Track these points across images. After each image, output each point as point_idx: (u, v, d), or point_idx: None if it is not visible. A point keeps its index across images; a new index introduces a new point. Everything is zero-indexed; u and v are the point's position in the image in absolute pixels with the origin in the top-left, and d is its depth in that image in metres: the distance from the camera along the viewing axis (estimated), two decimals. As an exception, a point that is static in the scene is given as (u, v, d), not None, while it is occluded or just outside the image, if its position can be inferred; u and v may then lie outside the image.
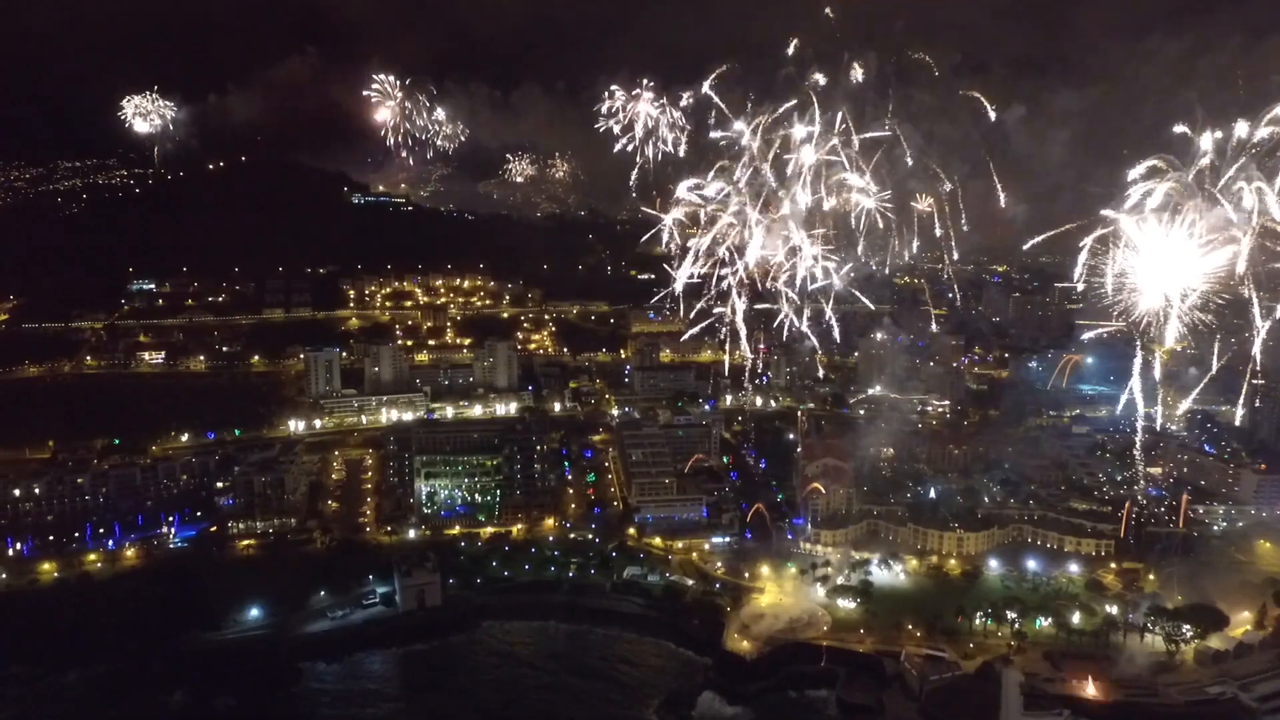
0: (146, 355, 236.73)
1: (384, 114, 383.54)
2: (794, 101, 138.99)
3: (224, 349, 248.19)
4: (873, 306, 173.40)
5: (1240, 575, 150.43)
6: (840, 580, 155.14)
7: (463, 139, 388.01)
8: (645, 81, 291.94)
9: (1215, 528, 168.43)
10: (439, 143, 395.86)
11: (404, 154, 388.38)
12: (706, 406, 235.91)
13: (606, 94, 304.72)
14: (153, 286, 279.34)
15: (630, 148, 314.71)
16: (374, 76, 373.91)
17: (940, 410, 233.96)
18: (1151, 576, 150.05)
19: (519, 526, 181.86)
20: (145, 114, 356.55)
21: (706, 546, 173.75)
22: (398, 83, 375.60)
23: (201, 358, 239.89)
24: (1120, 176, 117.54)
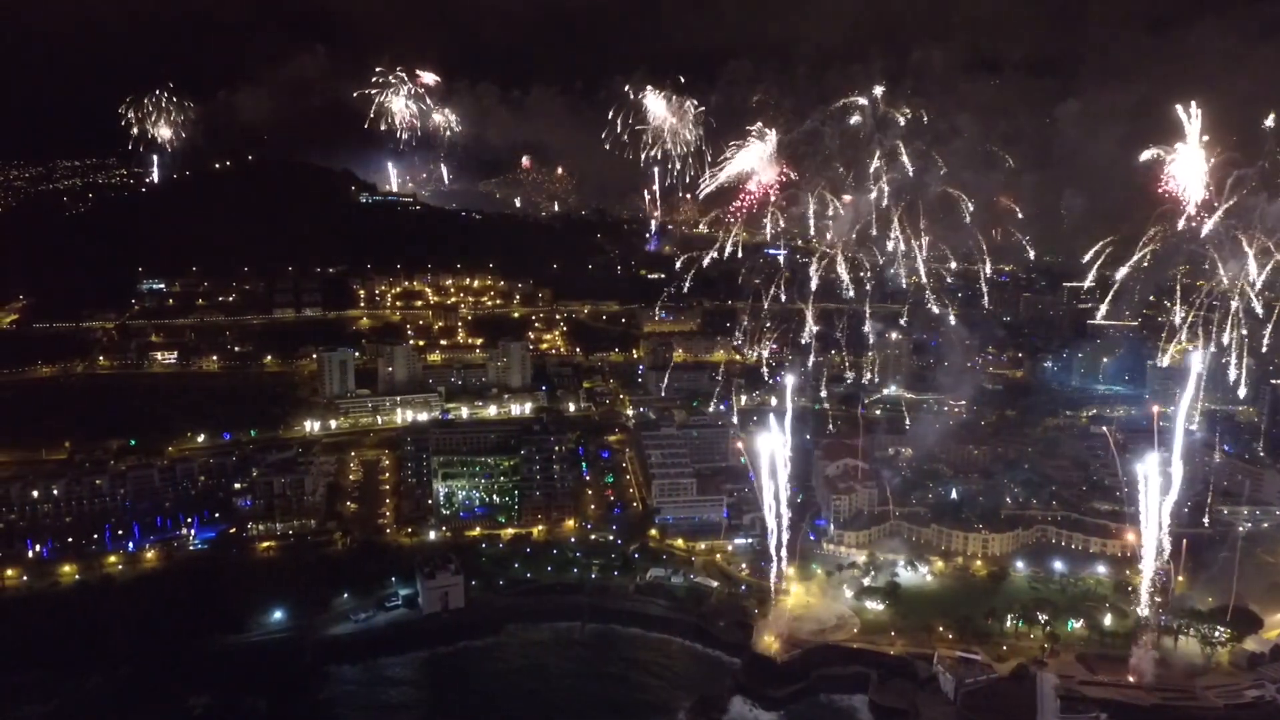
0: (159, 355, 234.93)
1: (391, 112, 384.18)
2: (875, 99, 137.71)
3: (236, 349, 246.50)
4: (937, 310, 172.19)
5: (1269, 577, 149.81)
6: (867, 581, 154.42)
7: (472, 144, 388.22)
8: (666, 85, 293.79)
9: (1240, 529, 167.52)
10: (444, 141, 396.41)
11: (409, 152, 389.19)
12: (722, 407, 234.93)
13: (626, 96, 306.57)
14: (162, 286, 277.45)
15: (652, 152, 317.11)
16: (380, 74, 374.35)
17: (956, 410, 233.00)
18: (1181, 579, 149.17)
19: (539, 528, 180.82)
20: (154, 114, 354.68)
21: (729, 548, 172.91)
22: (406, 81, 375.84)
23: (214, 358, 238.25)
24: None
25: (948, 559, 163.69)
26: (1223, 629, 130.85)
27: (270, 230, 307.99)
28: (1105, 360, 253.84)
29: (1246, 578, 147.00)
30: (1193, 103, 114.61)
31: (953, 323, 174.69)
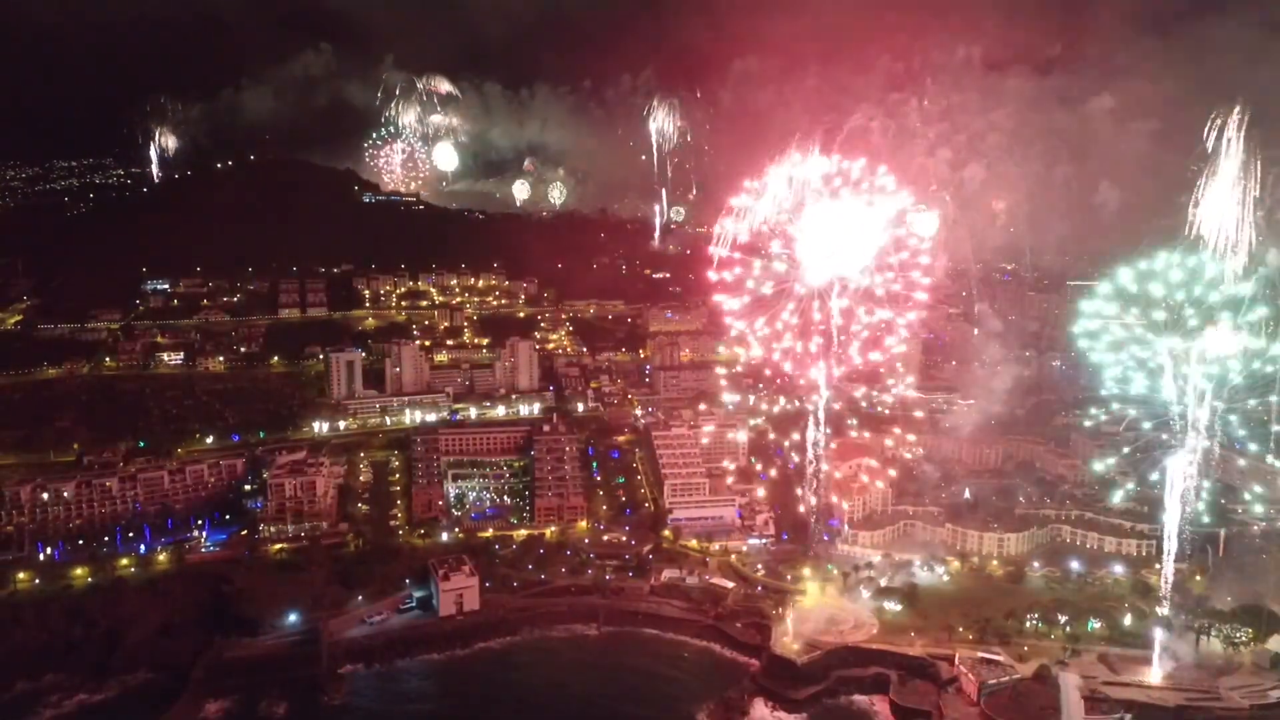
0: (165, 356, 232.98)
1: (400, 124, 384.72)
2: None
3: (242, 350, 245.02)
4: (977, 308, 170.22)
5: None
6: (884, 582, 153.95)
7: (474, 143, 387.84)
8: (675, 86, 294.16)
9: (1254, 527, 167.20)
10: (444, 141, 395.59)
11: (410, 152, 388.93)
12: (730, 406, 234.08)
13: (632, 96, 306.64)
14: (166, 287, 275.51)
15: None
16: (389, 77, 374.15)
17: (967, 409, 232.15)
18: (1199, 577, 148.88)
19: (552, 529, 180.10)
20: (155, 114, 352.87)
21: (744, 548, 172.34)
22: (411, 81, 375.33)
23: (220, 358, 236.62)
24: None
25: (963, 559, 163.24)
26: (1245, 629, 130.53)
27: (273, 230, 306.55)
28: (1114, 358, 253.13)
29: (1265, 577, 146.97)
30: (1237, 107, 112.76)
31: (986, 320, 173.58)
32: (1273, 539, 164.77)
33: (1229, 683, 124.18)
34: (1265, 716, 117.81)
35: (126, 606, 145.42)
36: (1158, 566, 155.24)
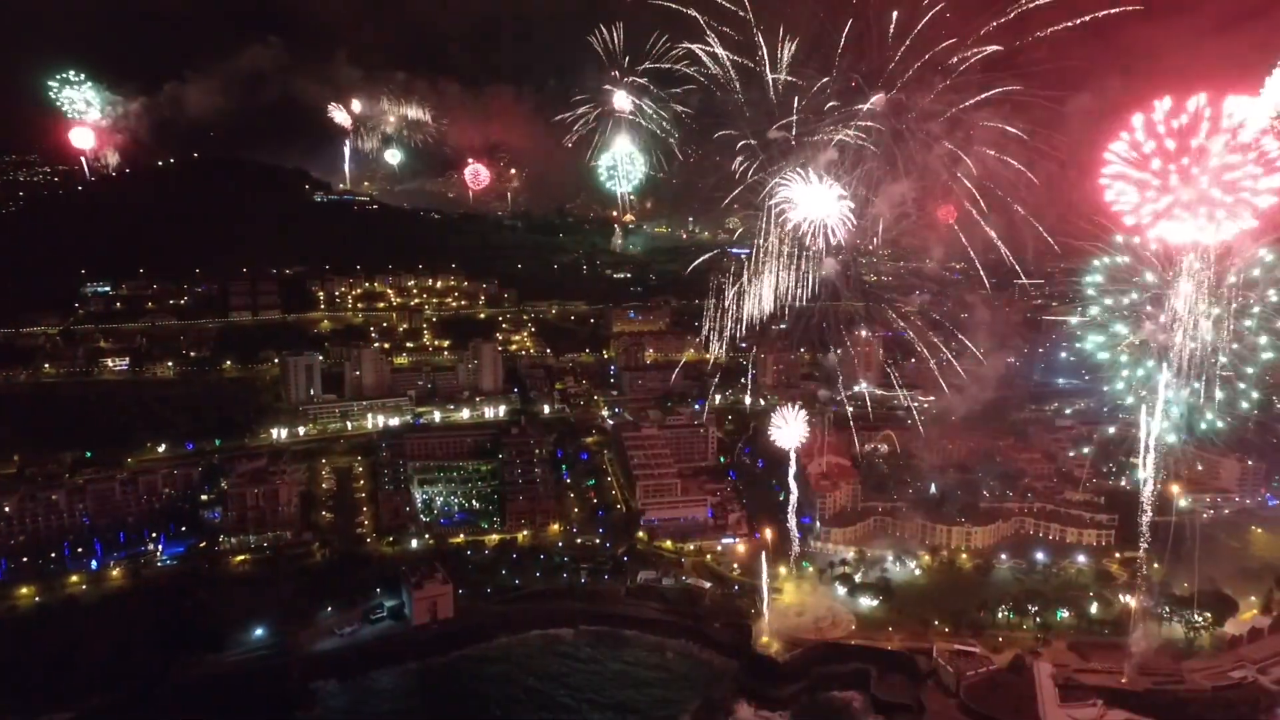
0: (109, 361, 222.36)
1: (342, 110, 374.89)
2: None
3: (192, 354, 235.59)
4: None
5: (1237, 562, 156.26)
6: (859, 578, 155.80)
7: (428, 142, 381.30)
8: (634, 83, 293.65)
9: (1204, 516, 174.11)
10: (394, 139, 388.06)
11: (358, 150, 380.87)
12: (696, 406, 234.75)
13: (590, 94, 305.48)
14: (108, 289, 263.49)
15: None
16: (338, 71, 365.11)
17: (926, 406, 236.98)
18: (1157, 565, 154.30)
19: (524, 533, 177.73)
20: (91, 108, 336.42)
21: (718, 548, 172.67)
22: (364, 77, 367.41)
23: (169, 363, 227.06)
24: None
25: (934, 553, 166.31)
26: (1204, 613, 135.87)
27: (221, 230, 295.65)
28: (1064, 355, 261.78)
29: (1216, 563, 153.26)
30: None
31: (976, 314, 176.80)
32: (1220, 526, 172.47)
33: (1191, 665, 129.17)
34: (1227, 696, 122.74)
35: (79, 626, 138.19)
36: (1118, 555, 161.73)
